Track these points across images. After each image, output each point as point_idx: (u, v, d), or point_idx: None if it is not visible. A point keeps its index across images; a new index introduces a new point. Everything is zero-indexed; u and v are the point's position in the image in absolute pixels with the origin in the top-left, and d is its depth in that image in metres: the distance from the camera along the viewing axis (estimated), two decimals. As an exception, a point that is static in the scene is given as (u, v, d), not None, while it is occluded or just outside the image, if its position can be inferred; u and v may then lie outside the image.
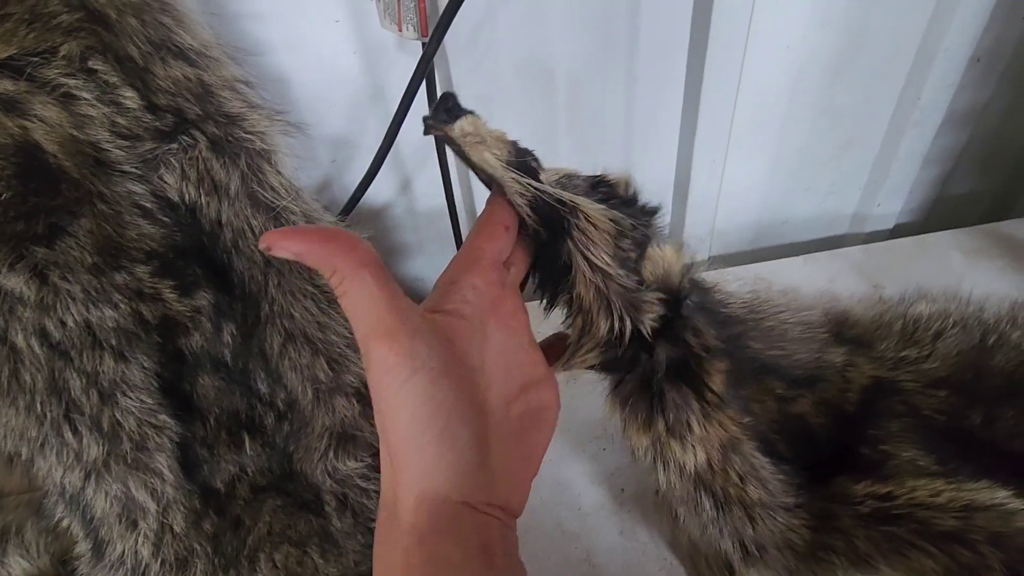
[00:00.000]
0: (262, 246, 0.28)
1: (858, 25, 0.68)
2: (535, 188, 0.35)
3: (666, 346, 0.38)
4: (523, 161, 0.36)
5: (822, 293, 0.73)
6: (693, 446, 0.40)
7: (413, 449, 0.27)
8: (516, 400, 0.32)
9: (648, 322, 0.37)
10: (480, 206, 0.80)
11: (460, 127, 0.35)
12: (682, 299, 0.38)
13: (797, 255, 0.80)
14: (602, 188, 0.38)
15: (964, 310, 0.52)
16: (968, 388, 0.47)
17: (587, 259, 0.36)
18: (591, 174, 0.40)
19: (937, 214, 0.91)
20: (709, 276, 0.47)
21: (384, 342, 0.27)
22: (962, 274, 0.73)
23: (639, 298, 0.37)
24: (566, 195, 0.35)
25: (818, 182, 0.84)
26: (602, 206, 0.36)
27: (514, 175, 0.35)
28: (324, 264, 0.28)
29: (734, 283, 0.55)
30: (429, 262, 0.85)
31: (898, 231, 0.91)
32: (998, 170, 0.87)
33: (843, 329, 0.51)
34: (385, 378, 0.27)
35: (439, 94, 0.62)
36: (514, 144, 0.37)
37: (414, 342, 0.27)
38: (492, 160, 0.35)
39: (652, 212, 0.40)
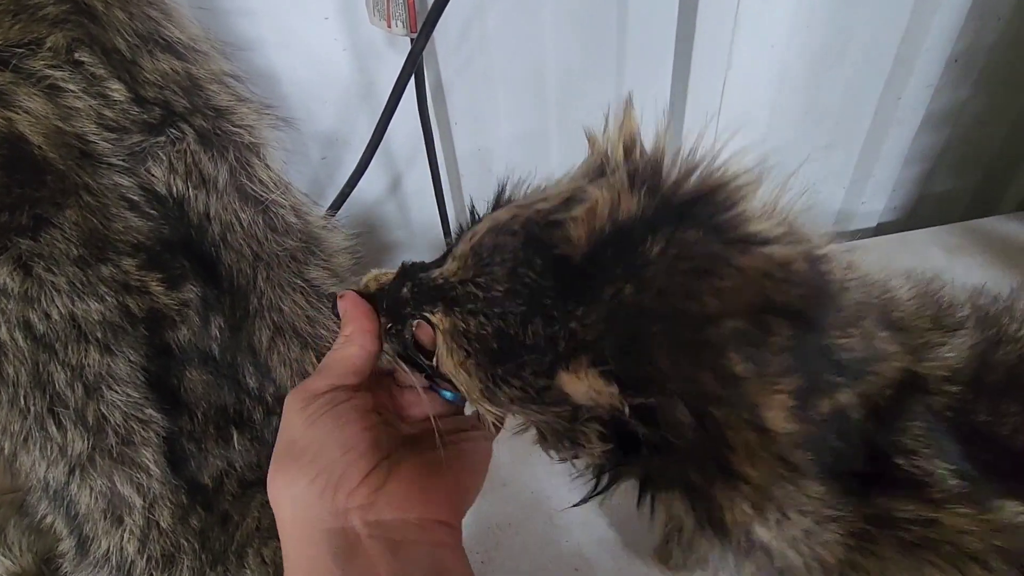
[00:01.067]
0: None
1: (840, 27, 0.70)
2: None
3: (639, 468, 0.32)
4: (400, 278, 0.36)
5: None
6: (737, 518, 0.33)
7: (285, 469, 0.32)
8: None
9: (598, 452, 0.31)
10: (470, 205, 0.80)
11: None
12: (626, 418, 0.29)
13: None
14: (532, 252, 0.31)
15: (979, 301, 0.51)
16: (975, 382, 0.45)
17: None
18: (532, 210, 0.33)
19: (921, 211, 0.93)
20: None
21: (324, 385, 0.33)
22: (944, 270, 0.74)
23: (574, 430, 0.31)
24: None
25: (803, 180, 0.85)
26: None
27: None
28: (347, 317, 0.36)
29: None
30: (419, 258, 0.85)
31: (883, 228, 0.93)
32: (977, 168, 0.88)
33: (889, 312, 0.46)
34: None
35: (428, 95, 0.62)
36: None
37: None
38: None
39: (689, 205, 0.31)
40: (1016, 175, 0.88)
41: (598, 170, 0.33)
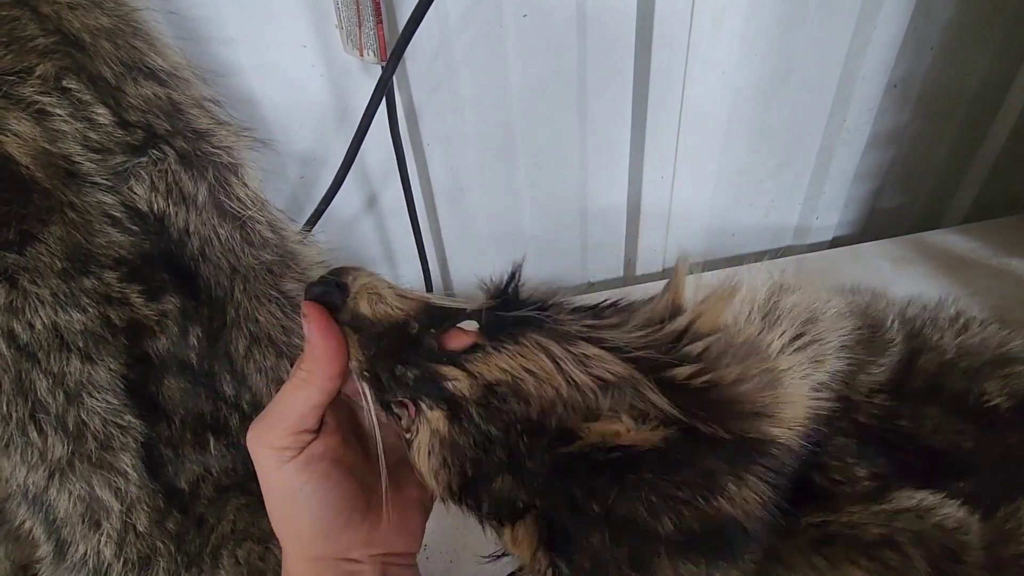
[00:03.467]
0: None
1: (784, 55, 0.75)
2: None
3: None
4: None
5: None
6: None
7: (284, 523, 0.33)
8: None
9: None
10: (444, 224, 0.84)
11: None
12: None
13: (744, 265, 0.86)
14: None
15: (905, 310, 0.55)
16: (898, 390, 0.49)
17: None
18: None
19: (872, 226, 0.98)
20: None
21: (284, 435, 0.31)
22: (889, 279, 0.79)
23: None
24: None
25: (760, 197, 0.91)
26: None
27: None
28: (309, 350, 0.31)
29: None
30: (395, 274, 0.88)
31: (837, 242, 0.98)
32: (922, 185, 0.94)
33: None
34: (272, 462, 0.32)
35: (399, 120, 0.66)
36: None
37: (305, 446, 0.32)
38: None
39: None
40: (958, 191, 0.94)
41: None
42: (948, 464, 0.44)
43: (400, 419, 0.32)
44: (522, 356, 0.29)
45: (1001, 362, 0.51)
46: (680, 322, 0.29)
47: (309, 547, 0.33)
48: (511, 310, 0.31)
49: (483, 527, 0.32)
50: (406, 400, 0.31)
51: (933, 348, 0.51)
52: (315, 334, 0.31)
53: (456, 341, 0.31)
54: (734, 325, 0.29)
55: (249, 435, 0.32)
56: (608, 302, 0.33)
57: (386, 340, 0.30)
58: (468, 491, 0.31)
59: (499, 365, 0.29)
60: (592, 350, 0.29)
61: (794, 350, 0.29)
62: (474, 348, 0.30)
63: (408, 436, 0.31)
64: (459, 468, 0.30)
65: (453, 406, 0.29)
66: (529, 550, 0.29)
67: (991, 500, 0.43)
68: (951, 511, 0.41)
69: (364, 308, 0.31)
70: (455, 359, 0.30)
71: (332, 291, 0.32)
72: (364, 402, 0.32)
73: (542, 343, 0.29)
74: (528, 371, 0.29)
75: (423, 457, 0.31)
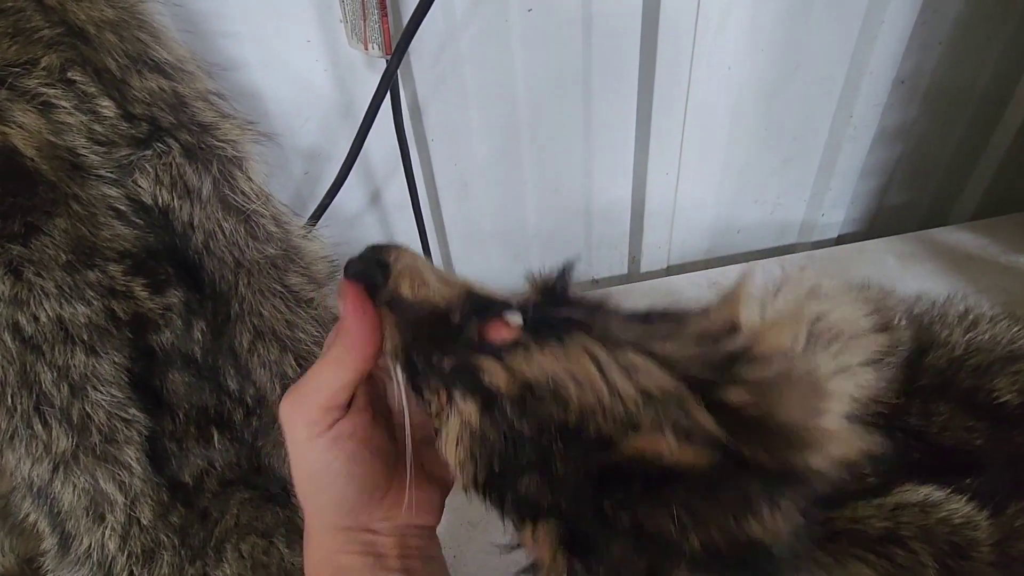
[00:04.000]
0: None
1: (790, 51, 0.75)
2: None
3: None
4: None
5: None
6: None
7: (309, 496, 0.33)
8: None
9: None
10: (448, 219, 0.84)
11: None
12: None
13: (750, 262, 0.86)
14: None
15: (912, 307, 0.55)
16: (906, 386, 0.49)
17: None
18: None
19: (879, 223, 0.98)
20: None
21: (315, 411, 0.31)
22: (896, 277, 0.78)
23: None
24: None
25: (766, 194, 0.90)
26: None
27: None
28: (344, 331, 0.31)
29: (685, 290, 0.58)
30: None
31: (843, 239, 0.97)
32: (930, 181, 0.94)
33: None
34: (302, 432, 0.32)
35: (404, 113, 0.66)
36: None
37: (335, 422, 0.32)
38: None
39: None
40: (966, 188, 0.94)
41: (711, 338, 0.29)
42: (956, 461, 0.44)
43: (431, 405, 0.31)
44: (566, 358, 0.28)
45: (1012, 359, 0.50)
46: (738, 342, 0.28)
47: (332, 519, 0.34)
48: (558, 308, 0.30)
49: (502, 521, 0.31)
50: (440, 387, 0.30)
51: (942, 345, 0.51)
52: (350, 316, 0.30)
53: (498, 334, 0.29)
54: (791, 351, 0.28)
55: (282, 407, 0.32)
56: (659, 310, 0.31)
57: (425, 326, 0.29)
58: (492, 485, 0.30)
59: (541, 364, 0.28)
60: (640, 360, 0.27)
61: (841, 374, 0.28)
62: (516, 344, 0.28)
63: (437, 423, 0.30)
64: (486, 462, 0.29)
65: (487, 400, 0.28)
66: (549, 551, 0.28)
67: (1000, 497, 0.42)
68: (958, 506, 0.41)
69: (405, 291, 0.30)
70: (496, 352, 0.28)
71: (372, 269, 0.31)
72: (395, 385, 0.31)
73: (588, 347, 0.28)
74: (570, 374, 0.27)
75: (451, 446, 0.30)
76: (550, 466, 0.28)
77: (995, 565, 0.40)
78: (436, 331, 0.29)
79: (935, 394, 0.48)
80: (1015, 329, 0.53)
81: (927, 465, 0.44)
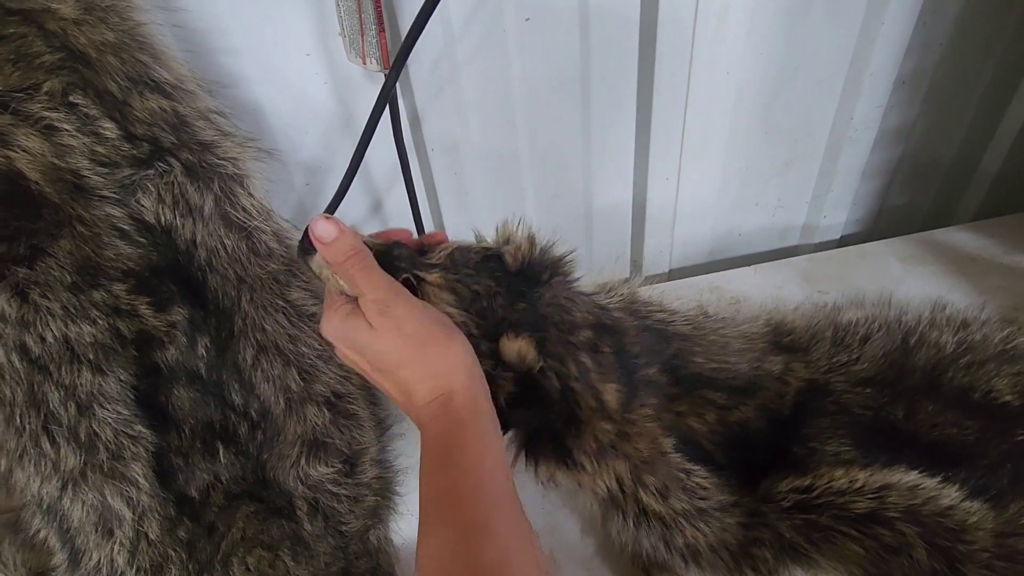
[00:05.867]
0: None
1: (790, 52, 0.74)
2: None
3: (529, 411, 0.47)
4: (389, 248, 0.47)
5: (771, 300, 0.77)
6: (594, 478, 0.46)
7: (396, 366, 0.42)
8: None
9: (502, 397, 0.45)
10: (450, 229, 0.84)
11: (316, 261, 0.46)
12: (535, 373, 0.45)
13: (752, 266, 0.85)
14: (490, 262, 0.47)
15: (888, 314, 0.56)
16: (892, 385, 0.50)
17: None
18: (485, 246, 0.49)
19: (881, 224, 0.97)
20: (661, 289, 0.52)
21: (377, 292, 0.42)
22: (898, 279, 0.78)
23: (495, 376, 0.45)
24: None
25: (767, 196, 0.90)
26: (441, 273, 0.47)
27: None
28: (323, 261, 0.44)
29: (686, 294, 0.60)
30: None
31: (846, 241, 0.97)
32: (932, 182, 0.93)
33: (780, 337, 0.55)
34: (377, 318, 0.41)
35: (404, 124, 0.67)
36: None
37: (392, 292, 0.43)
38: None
39: (550, 267, 0.49)
40: (968, 188, 0.93)
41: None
42: (947, 455, 0.45)
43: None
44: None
45: (1010, 359, 0.51)
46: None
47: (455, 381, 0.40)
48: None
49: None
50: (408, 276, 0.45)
51: (931, 346, 0.52)
52: (335, 225, 0.43)
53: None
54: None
55: (324, 331, 0.44)
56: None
57: (378, 254, 0.45)
58: (472, 313, 0.45)
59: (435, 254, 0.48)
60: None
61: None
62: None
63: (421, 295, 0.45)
64: (463, 299, 0.46)
65: (437, 266, 0.46)
66: (517, 344, 0.45)
67: (999, 491, 0.44)
68: (947, 491, 0.42)
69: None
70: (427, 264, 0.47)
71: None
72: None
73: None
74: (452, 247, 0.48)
75: (441, 304, 0.45)
76: (501, 284, 0.46)
77: (995, 555, 0.41)
78: (388, 253, 0.46)
79: (923, 392, 0.49)
80: (1009, 329, 0.53)
81: (913, 457, 0.46)
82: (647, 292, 0.56)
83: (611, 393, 0.46)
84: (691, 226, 0.91)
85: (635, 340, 0.48)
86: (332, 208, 0.65)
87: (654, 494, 0.46)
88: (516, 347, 0.44)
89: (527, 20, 0.66)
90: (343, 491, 0.55)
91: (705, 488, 0.46)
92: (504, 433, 0.46)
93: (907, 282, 0.77)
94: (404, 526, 0.60)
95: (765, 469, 0.48)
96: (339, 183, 0.67)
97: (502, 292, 0.46)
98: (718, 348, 0.51)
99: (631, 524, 0.47)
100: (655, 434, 0.46)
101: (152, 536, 0.49)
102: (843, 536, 0.44)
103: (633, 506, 0.46)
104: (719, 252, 0.96)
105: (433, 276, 0.45)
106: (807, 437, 0.48)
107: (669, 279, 0.94)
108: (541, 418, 0.46)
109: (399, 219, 0.79)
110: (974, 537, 0.42)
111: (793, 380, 0.51)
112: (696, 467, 0.46)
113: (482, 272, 0.46)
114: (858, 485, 0.44)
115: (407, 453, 0.66)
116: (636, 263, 0.94)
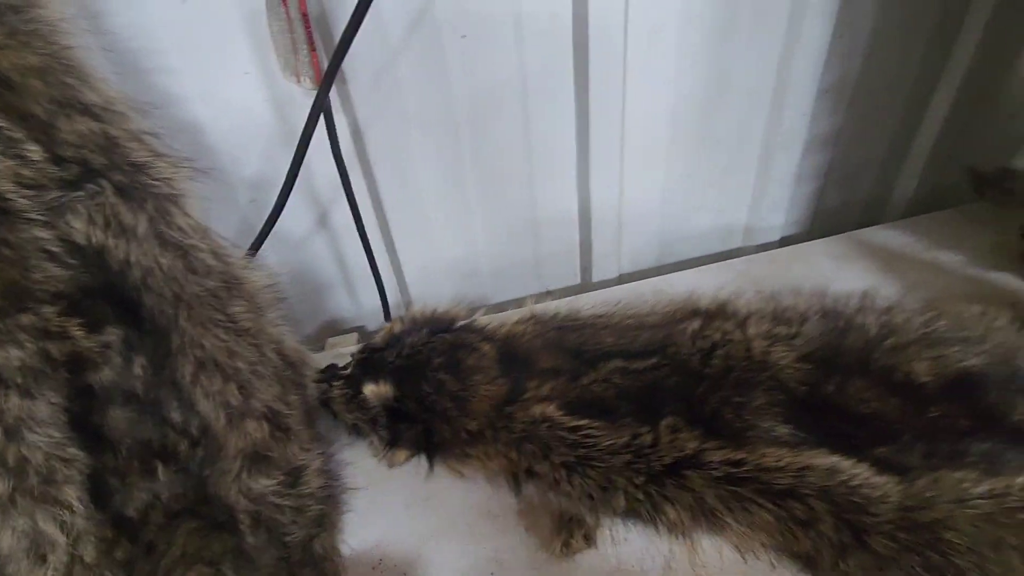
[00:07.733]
0: None
1: (721, 64, 0.78)
2: None
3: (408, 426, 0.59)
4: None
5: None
6: (484, 463, 0.57)
7: None
8: None
9: (380, 429, 0.61)
10: (398, 240, 0.85)
11: None
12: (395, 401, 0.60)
13: (698, 268, 0.89)
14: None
15: (824, 302, 0.60)
16: (827, 363, 0.54)
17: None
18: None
19: (818, 224, 1.02)
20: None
21: None
22: (831, 276, 0.82)
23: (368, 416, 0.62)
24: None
25: (708, 201, 0.94)
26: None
27: None
28: None
29: (628, 298, 0.63)
30: (351, 289, 0.89)
31: (786, 241, 1.01)
32: (862, 183, 0.98)
33: (701, 306, 0.61)
34: None
35: (344, 141, 0.68)
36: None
37: None
38: None
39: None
40: (895, 188, 0.98)
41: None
42: (871, 431, 0.49)
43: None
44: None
45: (929, 343, 0.55)
46: None
47: None
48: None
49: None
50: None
51: (860, 329, 0.57)
52: None
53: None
54: None
55: None
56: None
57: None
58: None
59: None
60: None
61: None
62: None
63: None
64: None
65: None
66: (378, 389, 0.61)
67: (910, 467, 0.47)
68: (860, 471, 0.46)
69: None
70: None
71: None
72: None
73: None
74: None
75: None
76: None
77: (898, 527, 0.44)
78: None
79: (853, 370, 0.53)
80: (928, 315, 0.58)
81: (841, 432, 0.49)
82: (555, 305, 0.67)
83: (484, 392, 0.57)
84: (638, 232, 0.94)
85: (521, 345, 0.60)
86: (271, 223, 0.66)
87: (535, 455, 0.53)
88: (371, 390, 0.60)
89: (463, 37, 0.68)
90: (286, 502, 0.55)
91: (595, 437, 0.51)
92: (400, 448, 0.59)
93: (839, 279, 0.81)
94: (351, 533, 0.61)
95: (690, 421, 0.51)
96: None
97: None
98: (631, 328, 0.58)
99: (531, 486, 0.54)
100: (536, 408, 0.54)
101: (88, 559, 0.48)
102: (759, 507, 0.47)
103: (524, 471, 0.54)
104: (667, 256, 0.99)
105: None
106: (742, 407, 0.51)
107: (619, 283, 0.97)
108: (418, 430, 0.58)
109: (347, 232, 0.80)
110: (879, 510, 0.44)
111: (714, 334, 0.56)
112: (584, 421, 0.52)
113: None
114: (783, 464, 0.47)
115: (356, 462, 0.66)
116: (586, 269, 0.97)
